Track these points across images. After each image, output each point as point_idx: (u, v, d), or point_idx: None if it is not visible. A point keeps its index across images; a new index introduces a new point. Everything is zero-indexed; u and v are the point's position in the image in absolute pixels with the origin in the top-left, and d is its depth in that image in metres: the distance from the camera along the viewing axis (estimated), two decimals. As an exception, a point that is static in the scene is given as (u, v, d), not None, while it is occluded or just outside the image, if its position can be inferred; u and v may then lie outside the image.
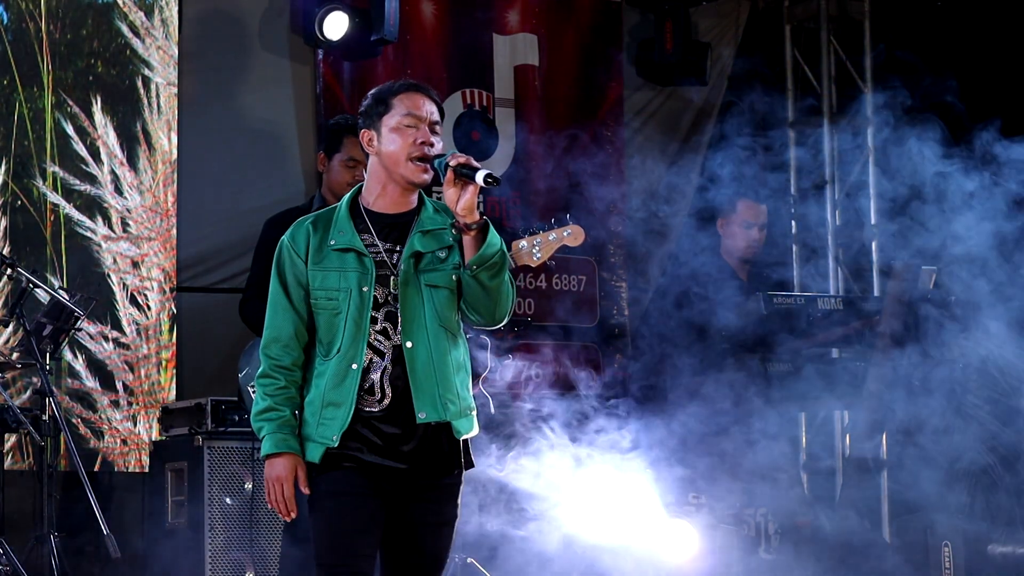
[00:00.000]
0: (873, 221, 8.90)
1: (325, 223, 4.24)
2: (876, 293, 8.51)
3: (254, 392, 6.00)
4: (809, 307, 6.97)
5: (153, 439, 7.36)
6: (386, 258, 4.18)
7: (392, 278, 4.16)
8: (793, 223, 8.93)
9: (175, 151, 7.83)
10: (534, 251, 5.79)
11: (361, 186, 4.30)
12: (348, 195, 4.29)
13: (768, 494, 6.94)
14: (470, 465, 4.25)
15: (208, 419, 6.75)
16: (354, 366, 4.12)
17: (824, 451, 8.66)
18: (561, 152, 8.71)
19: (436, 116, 4.26)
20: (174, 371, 7.68)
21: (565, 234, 5.76)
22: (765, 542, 7.14)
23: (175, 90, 7.85)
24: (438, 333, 4.17)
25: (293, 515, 4.17)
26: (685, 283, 7.14)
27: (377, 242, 4.19)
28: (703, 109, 9.43)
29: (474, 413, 4.26)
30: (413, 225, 4.22)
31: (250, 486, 6.64)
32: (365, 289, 4.14)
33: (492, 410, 6.32)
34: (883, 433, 7.53)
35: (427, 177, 4.20)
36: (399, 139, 4.19)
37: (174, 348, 7.70)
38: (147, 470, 7.34)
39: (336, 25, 7.90)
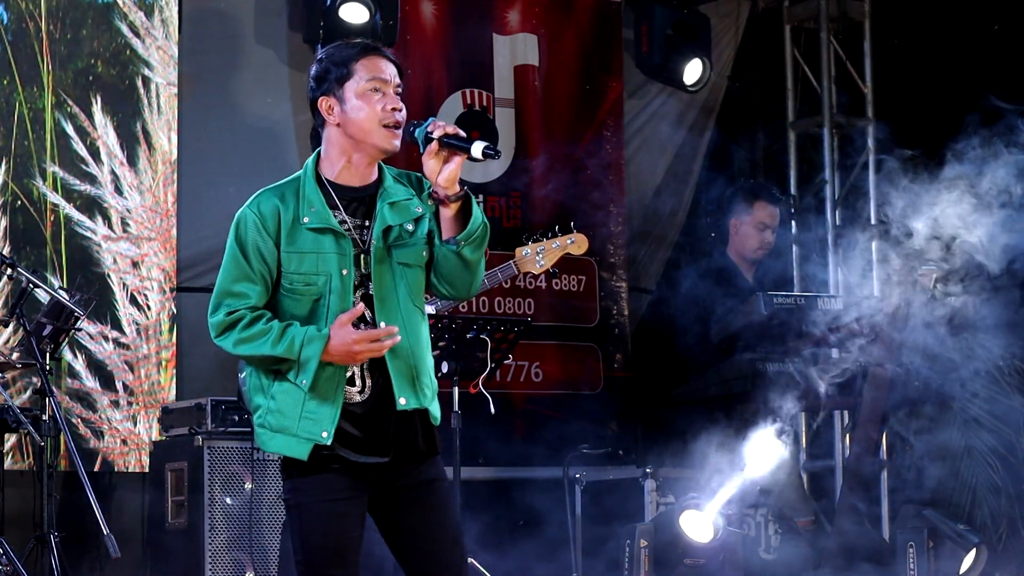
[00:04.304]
0: (873, 221, 8.91)
1: (293, 196, 3.97)
2: (876, 293, 8.51)
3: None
4: (809, 307, 6.96)
5: (153, 439, 7.36)
6: (356, 236, 3.95)
7: (364, 257, 3.94)
8: (793, 223, 8.94)
9: (175, 151, 7.83)
10: (538, 259, 5.80)
11: (319, 154, 4.04)
12: (310, 164, 4.03)
13: (768, 494, 6.94)
14: (438, 449, 4.03)
15: (208, 419, 6.75)
16: None
17: (824, 451, 8.67)
18: (561, 152, 8.70)
19: (398, 78, 4.00)
20: (174, 371, 7.67)
21: (569, 242, 5.77)
22: (765, 542, 7.14)
23: (175, 90, 7.85)
24: (411, 313, 3.96)
25: (396, 332, 3.85)
26: (692, 281, 7.14)
27: (347, 218, 3.96)
28: (703, 108, 9.43)
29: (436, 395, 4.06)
30: (378, 197, 3.99)
31: (250, 486, 6.64)
32: (345, 272, 3.91)
33: (492, 410, 6.30)
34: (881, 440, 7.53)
35: (398, 144, 3.96)
36: (366, 106, 3.94)
37: (174, 348, 7.70)
38: (147, 470, 7.34)
39: (353, 13, 7.87)
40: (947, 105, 8.43)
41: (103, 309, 7.49)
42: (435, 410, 4.03)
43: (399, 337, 3.88)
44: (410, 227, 3.98)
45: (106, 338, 7.54)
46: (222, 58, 8.05)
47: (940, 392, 7.13)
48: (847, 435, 8.41)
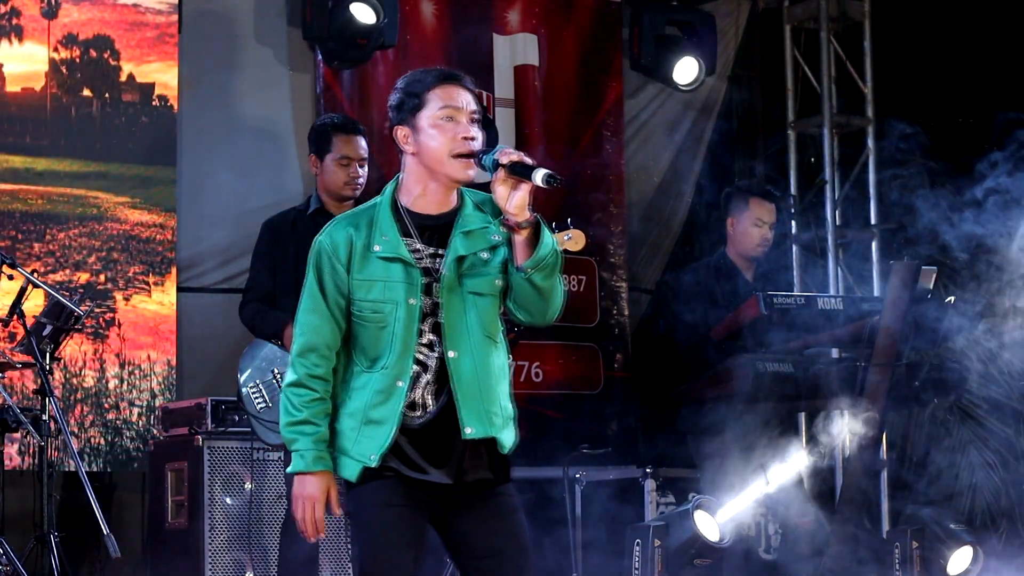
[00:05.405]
0: (873, 221, 8.91)
1: (367, 224, 3.97)
2: (876, 293, 8.52)
3: (253, 392, 6.04)
4: (809, 307, 6.96)
5: (153, 439, 7.35)
6: (429, 264, 3.94)
7: (435, 285, 3.93)
8: (793, 223, 8.94)
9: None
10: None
11: (398, 180, 4.05)
12: (388, 191, 4.03)
13: (768, 494, 6.94)
14: (508, 478, 4.02)
15: (208, 419, 6.74)
16: (400, 383, 3.91)
17: (824, 451, 8.66)
18: (561, 152, 8.70)
19: (474, 106, 4.00)
20: (174, 371, 7.67)
21: (566, 238, 5.75)
22: (765, 542, 7.14)
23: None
24: (482, 342, 3.95)
25: (321, 536, 3.99)
26: (692, 281, 7.13)
27: (420, 246, 3.96)
28: (703, 109, 9.44)
29: (513, 421, 4.05)
30: (454, 225, 3.98)
31: (250, 486, 6.64)
32: (412, 302, 3.91)
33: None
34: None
35: (472, 173, 3.95)
36: (439, 135, 3.94)
37: (174, 348, 7.70)
38: (147, 470, 7.34)
39: (361, 13, 7.87)
40: (950, 106, 8.45)
41: (103, 308, 7.50)
42: (505, 439, 4.01)
43: (320, 538, 4.00)
44: (485, 255, 3.98)
45: (106, 337, 7.55)
46: (222, 58, 8.05)
47: (942, 392, 7.14)
48: (846, 435, 8.40)
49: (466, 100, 4.00)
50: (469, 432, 3.92)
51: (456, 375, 3.93)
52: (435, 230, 3.99)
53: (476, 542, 3.98)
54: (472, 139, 3.97)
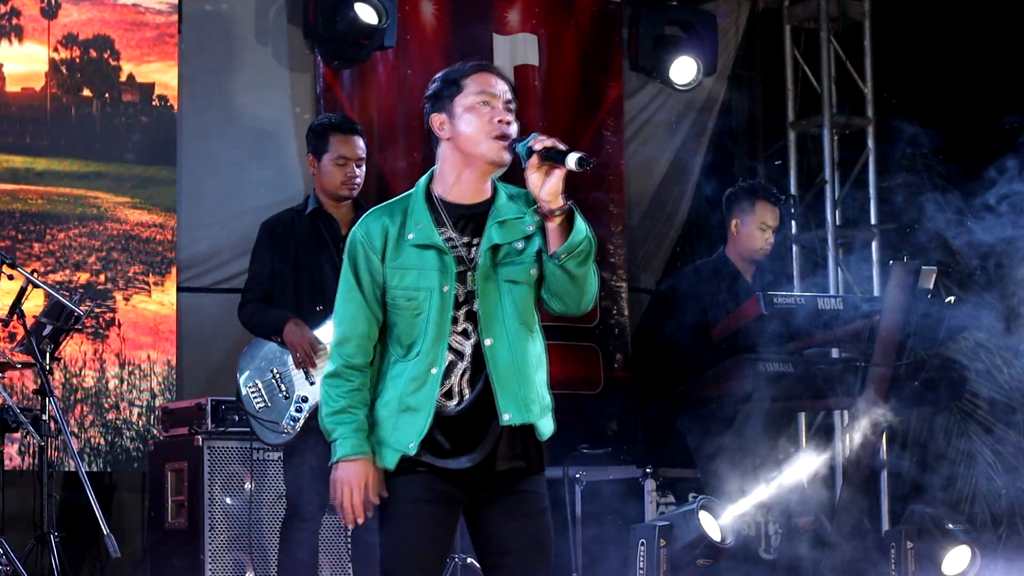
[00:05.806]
0: (873, 221, 8.91)
1: (401, 213, 4.01)
2: (876, 293, 8.52)
3: (252, 392, 6.03)
4: (809, 307, 6.96)
5: (153, 439, 7.36)
6: (463, 253, 3.97)
7: (470, 273, 3.96)
8: (793, 223, 8.94)
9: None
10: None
11: (432, 173, 4.07)
12: (422, 182, 4.06)
13: (769, 494, 6.94)
14: (543, 468, 4.05)
15: (208, 419, 6.74)
16: (434, 370, 3.93)
17: (824, 451, 8.66)
18: (561, 152, 8.69)
19: (510, 95, 4.05)
20: (174, 371, 7.68)
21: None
22: (765, 542, 7.13)
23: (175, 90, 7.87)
24: (518, 330, 3.98)
25: (360, 521, 3.98)
26: (692, 281, 7.13)
27: (454, 235, 3.98)
28: (704, 109, 9.44)
29: (551, 411, 4.07)
30: (489, 215, 4.00)
31: (250, 486, 6.64)
32: (446, 289, 3.94)
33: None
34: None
35: (508, 157, 3.97)
36: (475, 119, 3.98)
37: (174, 348, 7.70)
38: (147, 470, 7.34)
39: (364, 13, 7.88)
40: (950, 106, 8.45)
41: (103, 308, 7.50)
42: (543, 427, 4.03)
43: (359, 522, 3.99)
44: (519, 245, 4.00)
45: (106, 337, 7.55)
46: (222, 58, 8.05)
47: (943, 392, 7.14)
48: (847, 435, 8.41)
49: (502, 88, 4.05)
50: (507, 418, 3.94)
51: (492, 362, 3.95)
52: (469, 219, 4.02)
53: (498, 538, 4.00)
54: (508, 123, 4.01)
